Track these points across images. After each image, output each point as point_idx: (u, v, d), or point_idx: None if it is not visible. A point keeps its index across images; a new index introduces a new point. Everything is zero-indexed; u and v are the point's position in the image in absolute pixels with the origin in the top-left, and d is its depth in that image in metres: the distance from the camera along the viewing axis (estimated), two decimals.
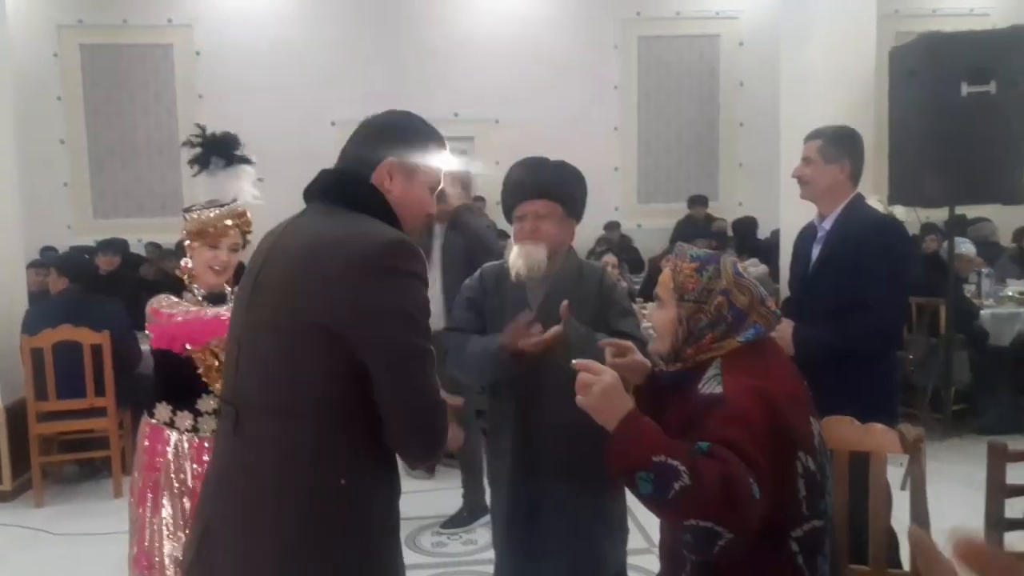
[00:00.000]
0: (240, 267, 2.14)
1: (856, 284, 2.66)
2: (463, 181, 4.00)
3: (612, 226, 8.72)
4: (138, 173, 8.92)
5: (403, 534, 2.05)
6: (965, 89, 4.36)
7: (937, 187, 4.39)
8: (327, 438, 1.43)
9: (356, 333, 1.40)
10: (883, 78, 5.03)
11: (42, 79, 8.50)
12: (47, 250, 7.56)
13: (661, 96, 9.42)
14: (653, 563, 3.33)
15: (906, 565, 2.10)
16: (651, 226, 9.03)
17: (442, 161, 1.66)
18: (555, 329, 2.04)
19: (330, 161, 1.66)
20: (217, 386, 2.39)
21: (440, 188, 1.69)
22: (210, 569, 1.50)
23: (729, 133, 9.44)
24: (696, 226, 8.53)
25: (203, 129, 2.59)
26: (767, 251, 6.42)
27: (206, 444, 2.40)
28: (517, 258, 2.25)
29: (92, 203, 8.90)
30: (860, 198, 2.85)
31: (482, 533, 3.92)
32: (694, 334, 1.71)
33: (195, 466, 2.40)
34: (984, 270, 6.10)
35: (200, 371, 2.40)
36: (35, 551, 4.05)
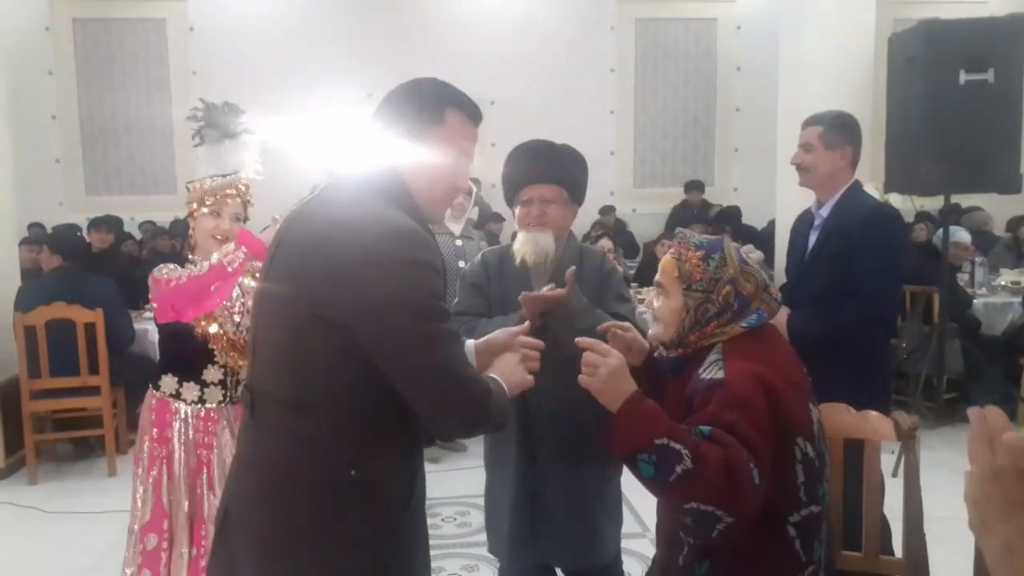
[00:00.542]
0: None
1: (851, 272, 2.67)
2: None
3: (607, 210, 8.68)
4: (130, 150, 8.84)
5: None
6: (963, 77, 4.34)
7: (934, 175, 4.38)
8: (341, 427, 1.43)
9: (359, 324, 1.38)
10: (881, 64, 5.02)
11: (34, 53, 8.34)
12: (34, 227, 7.49)
13: (658, 80, 9.38)
14: (646, 547, 3.36)
15: (898, 552, 2.11)
16: (646, 211, 9.01)
17: (469, 131, 1.61)
18: (560, 290, 2.03)
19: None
20: (227, 357, 2.49)
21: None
22: (230, 552, 1.51)
23: (725, 118, 9.40)
24: (692, 211, 8.51)
25: (206, 104, 2.59)
26: (753, 238, 6.44)
27: (212, 414, 2.50)
28: (524, 244, 2.23)
29: (84, 180, 8.82)
30: (858, 185, 2.85)
31: (476, 516, 3.93)
32: (700, 322, 1.71)
33: (202, 436, 2.50)
34: (978, 259, 6.12)
35: (210, 343, 2.47)
36: (28, 529, 4.06)
